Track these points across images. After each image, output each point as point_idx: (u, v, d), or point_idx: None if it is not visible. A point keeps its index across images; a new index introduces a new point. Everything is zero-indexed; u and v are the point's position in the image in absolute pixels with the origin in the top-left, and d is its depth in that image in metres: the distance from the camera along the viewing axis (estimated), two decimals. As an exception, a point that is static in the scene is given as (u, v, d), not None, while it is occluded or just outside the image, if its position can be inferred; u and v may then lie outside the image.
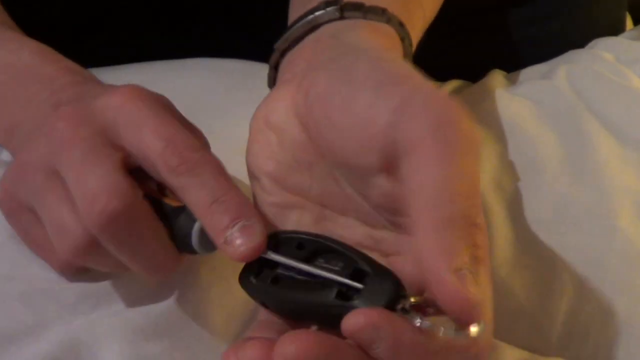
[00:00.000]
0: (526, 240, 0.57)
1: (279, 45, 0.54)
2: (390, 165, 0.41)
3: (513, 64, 0.76)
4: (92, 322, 0.49)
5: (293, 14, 0.56)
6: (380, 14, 0.52)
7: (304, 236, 0.44)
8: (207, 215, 0.44)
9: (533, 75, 0.72)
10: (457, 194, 0.39)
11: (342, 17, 0.51)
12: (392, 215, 0.44)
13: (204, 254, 0.46)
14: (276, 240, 0.44)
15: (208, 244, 0.45)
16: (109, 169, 0.44)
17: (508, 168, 0.62)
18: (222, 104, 0.62)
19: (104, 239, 0.44)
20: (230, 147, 0.49)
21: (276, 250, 0.44)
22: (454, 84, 0.74)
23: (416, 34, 0.57)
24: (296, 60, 0.51)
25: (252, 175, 0.48)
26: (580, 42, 0.77)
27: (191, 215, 0.45)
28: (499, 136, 0.64)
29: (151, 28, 0.79)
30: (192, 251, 0.46)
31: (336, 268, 0.42)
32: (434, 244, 0.38)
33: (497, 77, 0.72)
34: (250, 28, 0.80)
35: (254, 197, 0.48)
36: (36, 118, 0.49)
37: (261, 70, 0.57)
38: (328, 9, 0.51)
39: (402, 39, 0.53)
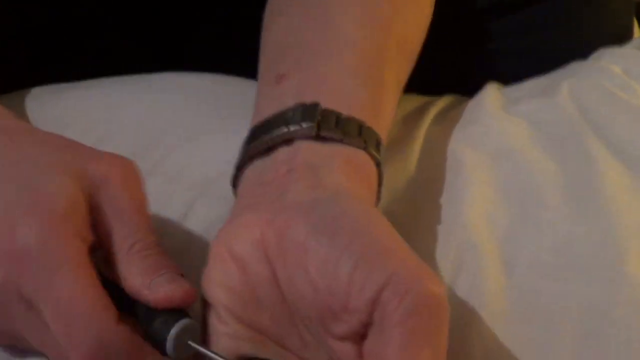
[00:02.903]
0: (522, 288, 0.49)
1: (249, 150, 0.48)
2: (358, 335, 0.40)
3: (511, 76, 0.68)
4: None
5: (262, 99, 0.51)
6: (356, 134, 0.47)
7: None
8: (125, 258, 0.43)
9: (532, 90, 0.64)
10: None
11: (318, 135, 0.46)
12: None
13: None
14: None
15: (184, 350, 0.43)
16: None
17: (502, 201, 0.53)
18: (190, 132, 0.57)
19: None
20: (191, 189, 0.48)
21: None
22: (447, 99, 0.66)
23: (391, 111, 0.53)
24: (267, 180, 0.46)
25: (206, 301, 0.44)
26: (583, 52, 0.70)
27: (167, 319, 0.44)
28: (493, 163, 0.56)
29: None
30: (164, 354, 0.44)
31: None
32: None
33: (492, 93, 0.64)
34: (234, 35, 0.74)
35: (207, 323, 0.44)
36: None
37: (235, 87, 0.54)
38: (304, 125, 0.46)
39: (378, 165, 0.48)
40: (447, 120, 0.60)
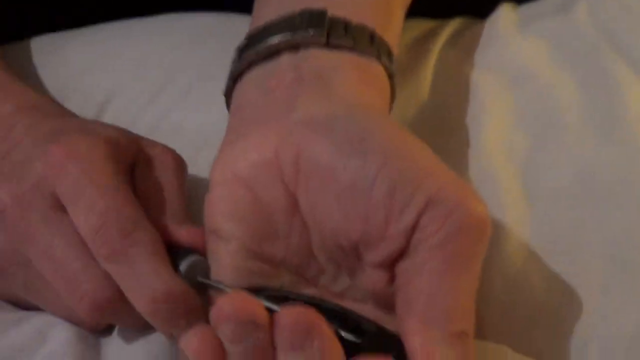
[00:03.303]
0: (544, 218, 0.46)
1: (248, 55, 0.43)
2: (392, 261, 0.37)
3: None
4: None
5: (261, 5, 0.46)
6: (368, 43, 0.43)
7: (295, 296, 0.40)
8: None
9: (548, 8, 0.60)
10: (457, 312, 0.36)
11: (327, 43, 0.42)
12: (375, 300, 0.39)
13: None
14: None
15: (194, 287, 0.41)
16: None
17: (521, 126, 0.51)
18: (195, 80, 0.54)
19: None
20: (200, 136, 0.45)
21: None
22: (457, 22, 0.62)
23: (399, 25, 0.48)
24: (270, 87, 0.42)
25: (214, 235, 0.41)
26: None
27: (175, 257, 0.42)
28: (510, 86, 0.53)
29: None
30: None
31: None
32: None
33: (506, 13, 0.60)
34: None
35: (213, 257, 0.41)
36: None
37: (240, 25, 0.47)
38: (312, 31, 0.42)
39: (390, 76, 0.44)
40: (459, 44, 0.57)
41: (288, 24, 0.43)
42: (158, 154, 0.46)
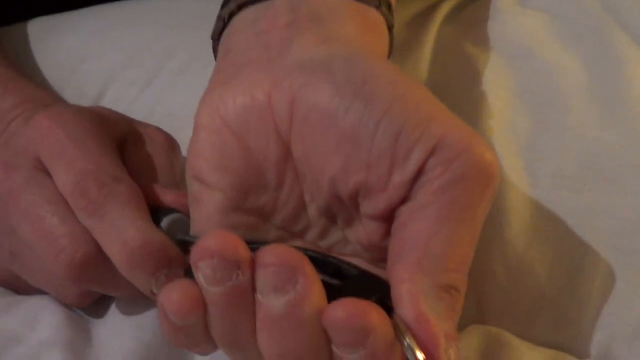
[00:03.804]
0: (547, 201, 0.45)
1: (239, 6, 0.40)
2: (392, 211, 0.35)
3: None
4: None
5: None
6: None
7: None
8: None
9: (550, -18, 0.58)
10: (451, 261, 0.34)
11: None
12: (367, 253, 0.38)
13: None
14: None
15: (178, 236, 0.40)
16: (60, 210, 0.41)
17: (523, 106, 0.49)
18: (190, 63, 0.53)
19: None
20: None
21: None
22: (456, -3, 0.61)
23: None
24: (263, 29, 0.38)
25: (197, 181, 0.37)
26: None
27: (154, 216, 0.41)
28: (511, 64, 0.51)
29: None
30: None
31: None
32: (413, 314, 0.33)
33: (507, -13, 0.58)
34: None
35: (195, 205, 0.38)
36: None
37: None
38: None
39: (389, 28, 0.42)
40: (459, 20, 0.55)
41: None
42: (149, 132, 0.45)
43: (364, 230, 0.37)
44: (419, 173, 0.34)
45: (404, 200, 0.35)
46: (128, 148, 0.45)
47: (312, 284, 0.32)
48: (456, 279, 0.34)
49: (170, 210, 0.41)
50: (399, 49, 0.51)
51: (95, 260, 0.40)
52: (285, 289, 0.32)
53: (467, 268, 0.35)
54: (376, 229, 0.36)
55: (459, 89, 0.51)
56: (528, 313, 0.43)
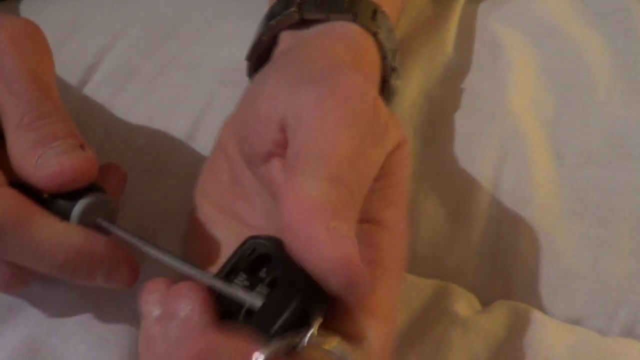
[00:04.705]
0: (573, 179, 0.45)
1: (250, 56, 0.46)
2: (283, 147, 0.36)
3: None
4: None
5: None
6: (344, 8, 0.43)
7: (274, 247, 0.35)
8: (14, 134, 0.37)
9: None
10: (330, 156, 0.33)
11: (302, 19, 0.43)
12: None
13: None
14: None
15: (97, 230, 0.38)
16: None
17: (547, 84, 0.49)
18: (209, 21, 0.53)
19: None
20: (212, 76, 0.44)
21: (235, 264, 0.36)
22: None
23: None
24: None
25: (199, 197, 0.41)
26: None
27: (68, 200, 0.37)
28: (536, 42, 0.51)
29: None
30: None
31: (245, 283, 0.34)
32: (288, 199, 0.32)
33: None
34: None
35: (197, 213, 0.40)
36: None
37: None
38: (285, 11, 0.43)
39: (375, 34, 0.43)
40: (483, -2, 0.55)
41: (271, 15, 0.44)
42: None
43: (267, 174, 0.38)
44: (290, 98, 0.36)
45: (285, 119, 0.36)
46: None
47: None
48: (342, 172, 0.33)
49: (88, 188, 0.38)
50: (426, 26, 0.51)
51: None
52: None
53: (353, 167, 0.34)
54: (273, 169, 0.37)
55: (483, 66, 0.50)
56: (554, 290, 0.43)
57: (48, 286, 0.43)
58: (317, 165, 0.33)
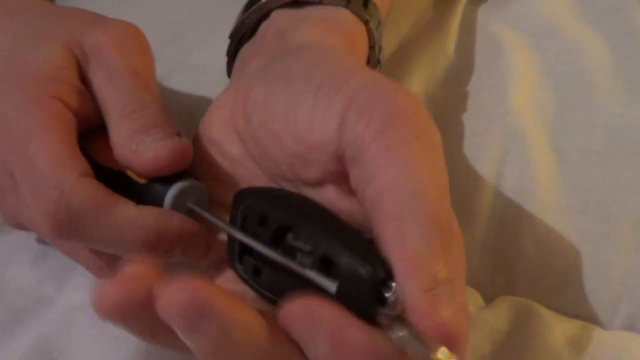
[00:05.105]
0: (574, 176, 0.46)
1: (232, 34, 0.45)
2: (340, 176, 0.35)
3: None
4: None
5: None
6: None
7: (270, 206, 0.35)
8: (117, 124, 0.39)
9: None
10: (424, 194, 0.31)
11: (294, 1, 0.43)
12: None
13: None
14: (243, 207, 0.36)
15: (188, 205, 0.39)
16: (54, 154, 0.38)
17: (548, 84, 0.49)
18: (212, 26, 0.53)
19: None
20: (216, 80, 0.43)
21: (243, 228, 0.36)
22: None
23: None
24: (245, 60, 0.43)
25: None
26: None
27: (162, 185, 0.39)
28: (536, 43, 0.52)
29: None
30: None
31: (306, 259, 0.33)
32: (401, 256, 0.30)
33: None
34: None
35: None
36: None
37: None
38: None
39: (366, 22, 0.43)
40: (484, 0, 0.56)
41: None
42: (99, 40, 0.42)
43: (321, 196, 0.37)
44: (342, 128, 0.34)
45: (339, 159, 0.34)
46: (95, 79, 0.42)
47: (230, 321, 0.30)
48: (442, 211, 0.31)
49: (178, 176, 0.39)
50: (430, 24, 0.52)
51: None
52: (197, 330, 0.30)
53: (447, 201, 0.32)
54: (331, 193, 0.36)
55: (484, 67, 0.51)
56: (556, 285, 0.44)
57: (59, 288, 0.44)
58: (418, 205, 0.31)
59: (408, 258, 0.30)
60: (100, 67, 0.41)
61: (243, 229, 0.36)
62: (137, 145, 0.39)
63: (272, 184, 0.39)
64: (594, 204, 0.44)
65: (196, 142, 0.41)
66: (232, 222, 0.37)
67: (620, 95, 0.48)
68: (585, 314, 0.43)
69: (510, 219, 0.45)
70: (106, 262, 0.41)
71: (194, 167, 0.40)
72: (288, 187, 0.38)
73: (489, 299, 0.44)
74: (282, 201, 0.35)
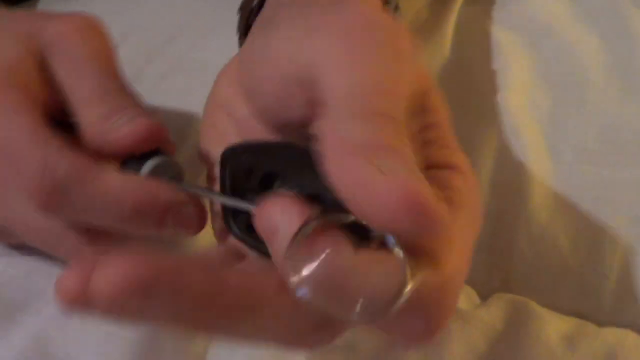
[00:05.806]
0: (569, 175, 0.46)
1: (242, 7, 0.44)
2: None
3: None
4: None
5: None
6: None
7: (254, 157, 0.35)
8: (84, 110, 0.38)
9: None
10: (373, 91, 0.30)
11: None
12: None
13: None
14: (230, 166, 0.36)
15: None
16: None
17: (544, 83, 0.50)
18: (209, 27, 0.53)
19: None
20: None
21: (233, 186, 0.36)
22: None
23: None
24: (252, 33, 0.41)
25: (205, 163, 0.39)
26: None
27: (137, 163, 0.39)
28: (531, 43, 0.52)
29: None
30: None
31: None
32: (342, 141, 0.28)
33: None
34: None
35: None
36: None
37: None
38: None
39: (387, 2, 0.41)
40: (479, 1, 0.56)
41: None
42: (59, 31, 0.41)
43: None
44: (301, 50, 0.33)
45: (309, 68, 0.33)
46: (58, 67, 0.41)
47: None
48: (385, 106, 0.30)
49: (152, 153, 0.39)
50: (426, 25, 0.52)
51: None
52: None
53: (393, 95, 0.31)
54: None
55: (480, 67, 0.51)
56: (551, 284, 0.44)
57: (53, 284, 0.44)
58: (349, 103, 0.30)
59: (338, 146, 0.29)
60: (63, 57, 0.41)
61: (233, 187, 0.35)
62: (110, 126, 0.38)
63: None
64: (589, 203, 0.44)
65: (206, 112, 0.40)
66: (222, 184, 0.36)
67: (614, 94, 0.48)
68: (580, 312, 0.43)
69: (506, 218, 0.45)
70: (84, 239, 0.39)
71: (205, 135, 0.39)
72: (296, 139, 0.36)
73: (484, 297, 0.44)
74: (266, 150, 0.35)
